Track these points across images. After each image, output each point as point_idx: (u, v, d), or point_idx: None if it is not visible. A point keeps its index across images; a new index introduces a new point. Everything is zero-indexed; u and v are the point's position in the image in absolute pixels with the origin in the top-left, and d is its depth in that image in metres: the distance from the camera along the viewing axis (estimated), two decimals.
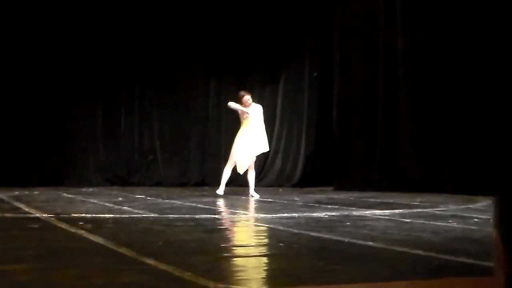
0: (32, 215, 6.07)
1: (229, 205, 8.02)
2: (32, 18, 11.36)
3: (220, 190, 9.04)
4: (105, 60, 12.01)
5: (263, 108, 9.43)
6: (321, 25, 12.37)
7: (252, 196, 8.98)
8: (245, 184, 10.60)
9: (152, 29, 12.20)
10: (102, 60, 12.00)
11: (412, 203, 7.84)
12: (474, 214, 6.24)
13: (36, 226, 5.23)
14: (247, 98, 9.15)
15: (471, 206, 7.37)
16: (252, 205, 8.05)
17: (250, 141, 9.05)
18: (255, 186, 12.13)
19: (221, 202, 8.37)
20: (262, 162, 12.60)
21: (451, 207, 7.26)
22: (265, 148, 9.32)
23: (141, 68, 12.23)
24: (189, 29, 12.38)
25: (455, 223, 5.46)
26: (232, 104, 9.24)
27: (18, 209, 6.76)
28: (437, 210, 6.80)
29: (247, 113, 9.05)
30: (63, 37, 11.61)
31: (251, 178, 9.23)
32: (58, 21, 11.56)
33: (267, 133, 12.78)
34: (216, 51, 12.52)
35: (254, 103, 9.30)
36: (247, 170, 9.23)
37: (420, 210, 6.85)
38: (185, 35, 12.35)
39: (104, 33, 11.92)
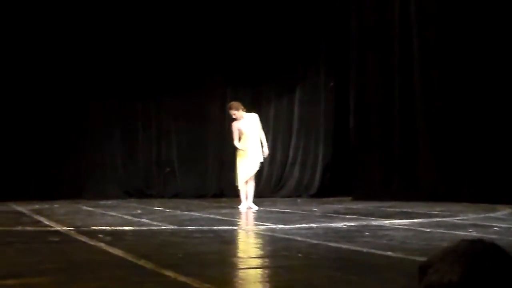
0: (52, 229, 6.13)
1: (247, 217, 8.03)
2: (50, 32, 11.49)
3: (251, 204, 8.94)
4: (122, 73, 12.11)
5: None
6: (336, 34, 12.38)
7: (250, 208, 8.90)
8: (262, 195, 10.61)
9: (169, 41, 12.28)
10: (119, 73, 12.09)
11: (431, 212, 7.79)
12: (494, 223, 6.19)
13: (56, 239, 5.28)
14: (232, 113, 9.02)
15: (491, 215, 7.31)
16: (270, 216, 8.05)
17: (250, 156, 8.95)
18: (272, 197, 12.13)
19: (239, 214, 8.38)
20: (280, 172, 12.59)
21: (471, 216, 7.20)
22: (260, 159, 9.14)
23: (158, 80, 12.31)
24: (205, 41, 12.46)
25: (475, 232, 5.41)
26: (237, 146, 9.09)
27: (38, 223, 6.83)
28: (457, 219, 6.75)
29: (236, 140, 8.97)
30: (80, 52, 11.73)
31: (251, 189, 9.13)
32: (75, 35, 11.69)
33: (284, 142, 12.83)
34: (232, 62, 12.57)
35: (247, 113, 9.10)
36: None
37: (439, 219, 6.80)
38: (202, 47, 12.42)
39: (121, 47, 12.03)
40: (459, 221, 6.52)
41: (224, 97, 12.52)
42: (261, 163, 9.25)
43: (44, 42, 11.48)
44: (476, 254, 1.04)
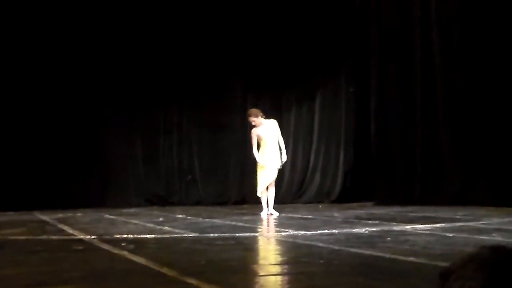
0: (76, 237, 6.19)
1: (268, 223, 8.04)
2: (72, 42, 11.64)
3: (272, 210, 8.98)
4: (143, 81, 12.24)
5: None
6: (356, 39, 12.37)
7: (271, 214, 8.91)
8: (283, 201, 10.57)
9: (189, 50, 12.38)
10: (141, 81, 12.22)
11: (454, 216, 7.72)
12: None
13: (80, 247, 5.34)
14: (251, 120, 9.03)
15: None
16: (291, 222, 8.04)
17: (269, 164, 8.95)
18: (293, 203, 12.13)
19: (260, 220, 8.39)
20: (301, 178, 12.58)
21: (495, 220, 7.12)
22: (278, 165, 9.14)
23: (179, 89, 12.41)
24: (225, 49, 12.53)
25: (499, 237, 5.35)
26: (256, 157, 9.11)
27: (62, 231, 6.91)
28: (480, 224, 6.68)
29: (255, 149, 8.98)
30: (103, 61, 11.87)
31: (271, 196, 9.14)
32: (97, 45, 11.83)
33: (304, 148, 12.82)
34: (252, 69, 12.63)
35: (266, 119, 9.08)
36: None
37: (463, 223, 6.74)
38: (222, 55, 12.50)
39: (142, 56, 12.15)
40: (483, 226, 6.45)
41: (244, 104, 12.56)
42: (279, 169, 9.26)
43: (69, 52, 11.64)
44: (498, 262, 1.03)
